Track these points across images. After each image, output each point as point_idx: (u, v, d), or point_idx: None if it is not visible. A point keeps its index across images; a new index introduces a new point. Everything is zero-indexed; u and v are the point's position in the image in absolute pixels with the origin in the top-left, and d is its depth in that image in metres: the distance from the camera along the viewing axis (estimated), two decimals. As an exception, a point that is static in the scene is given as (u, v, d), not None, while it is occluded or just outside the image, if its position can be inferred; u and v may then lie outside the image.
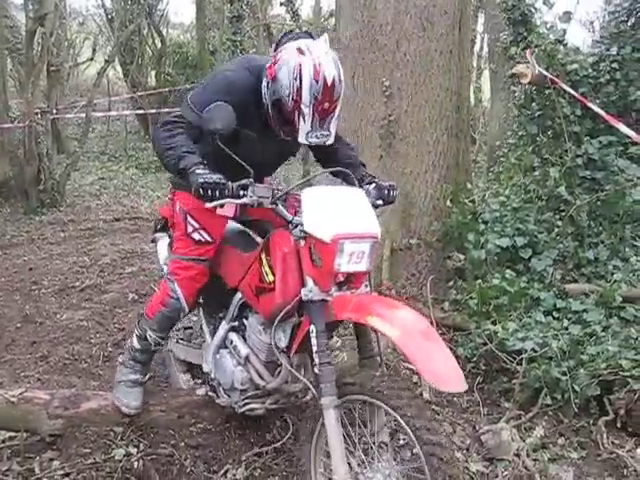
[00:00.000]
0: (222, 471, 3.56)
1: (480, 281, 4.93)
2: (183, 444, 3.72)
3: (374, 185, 3.37)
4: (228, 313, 3.56)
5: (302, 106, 2.97)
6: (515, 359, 4.25)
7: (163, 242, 4.13)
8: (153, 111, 15.80)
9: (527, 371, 4.15)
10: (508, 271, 4.95)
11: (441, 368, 2.57)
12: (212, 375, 3.65)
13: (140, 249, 8.14)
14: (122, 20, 16.24)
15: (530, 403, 4.16)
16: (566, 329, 4.46)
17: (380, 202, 3.32)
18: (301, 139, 3.04)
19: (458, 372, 2.58)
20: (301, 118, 2.99)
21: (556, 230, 5.33)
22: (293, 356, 3.19)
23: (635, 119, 5.65)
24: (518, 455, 3.72)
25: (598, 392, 3.99)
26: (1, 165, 10.87)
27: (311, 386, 2.95)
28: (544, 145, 5.75)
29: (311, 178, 3.27)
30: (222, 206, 3.06)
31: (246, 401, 3.49)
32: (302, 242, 2.99)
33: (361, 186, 3.35)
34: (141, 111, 16.63)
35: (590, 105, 5.39)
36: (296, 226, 3.00)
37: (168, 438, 3.74)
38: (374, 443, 2.89)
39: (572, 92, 5.42)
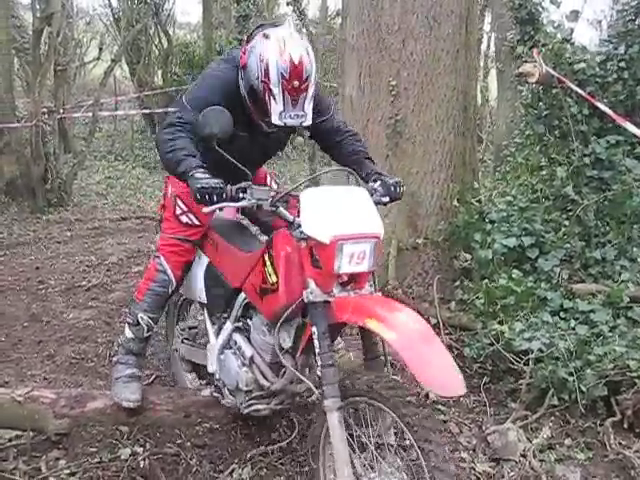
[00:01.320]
0: (228, 470, 3.55)
1: (487, 281, 4.92)
2: (189, 443, 3.72)
3: (380, 182, 3.35)
4: (232, 313, 3.57)
5: (271, 87, 3.03)
6: (522, 359, 4.24)
7: None
8: (160, 110, 15.80)
9: (534, 371, 4.14)
10: (515, 271, 4.93)
11: (439, 372, 2.54)
12: (217, 376, 3.66)
13: (147, 248, 8.15)
14: (129, 20, 16.28)
15: (537, 403, 4.14)
16: (573, 329, 4.44)
17: (387, 199, 3.30)
18: (274, 120, 3.08)
19: (456, 375, 2.56)
20: (272, 99, 3.05)
21: (563, 230, 5.31)
22: (298, 357, 3.19)
23: (643, 119, 5.62)
24: (525, 456, 3.71)
25: (605, 393, 3.98)
26: (8, 164, 10.88)
27: (314, 388, 2.94)
28: (551, 145, 5.73)
29: (312, 178, 3.27)
30: (221, 210, 3.07)
31: (251, 402, 3.48)
32: (303, 243, 2.98)
33: (367, 183, 3.36)
34: (148, 110, 16.65)
35: (598, 104, 5.37)
36: (297, 227, 2.98)
37: (174, 437, 3.74)
38: (380, 444, 2.87)
39: (579, 91, 5.40)
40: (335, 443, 2.78)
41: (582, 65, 5.50)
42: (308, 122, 3.15)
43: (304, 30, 17.48)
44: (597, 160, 5.36)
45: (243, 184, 2.99)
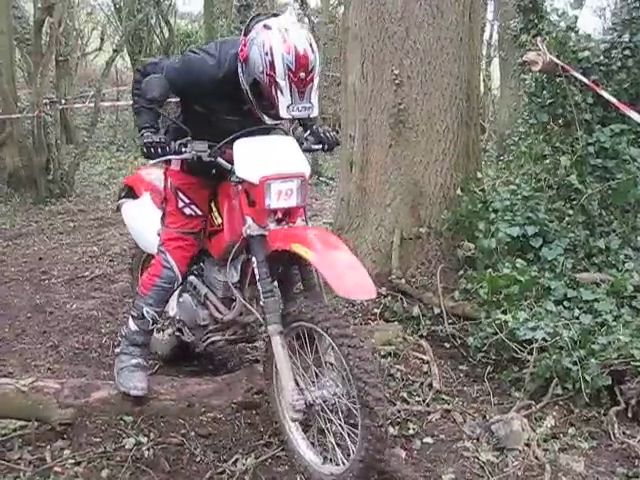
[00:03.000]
0: (232, 460, 3.55)
1: (490, 270, 4.90)
2: (193, 433, 3.71)
3: (309, 132, 3.69)
4: None
5: (278, 79, 3.05)
6: (526, 349, 4.23)
7: (126, 206, 4.57)
8: (161, 101, 15.76)
9: (538, 361, 4.13)
10: (519, 260, 4.92)
11: (351, 281, 2.98)
12: (177, 317, 4.12)
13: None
14: (130, 10, 16.28)
15: (541, 393, 4.13)
16: (577, 318, 4.44)
17: (319, 146, 3.67)
18: (282, 114, 3.14)
19: (367, 281, 3.01)
20: (279, 92, 3.08)
21: (567, 219, 5.30)
22: (246, 289, 3.64)
23: (647, 107, 5.60)
24: (528, 445, 3.70)
25: (609, 382, 3.97)
26: (10, 155, 10.90)
27: (260, 316, 3.37)
28: (555, 133, 5.71)
29: (247, 131, 3.46)
30: (169, 162, 3.56)
31: (207, 335, 3.92)
32: (240, 187, 3.39)
33: (294, 134, 3.66)
34: (149, 101, 16.60)
35: (602, 93, 5.35)
36: (232, 175, 3.38)
37: (178, 427, 3.73)
38: (320, 363, 3.24)
39: (583, 80, 5.37)
40: (279, 363, 3.21)
41: (586, 53, 5.48)
42: (315, 113, 3.23)
43: (306, 19, 17.45)
44: (601, 149, 5.34)
45: (184, 140, 3.37)
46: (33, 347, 5.00)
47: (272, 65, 3.04)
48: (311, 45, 3.11)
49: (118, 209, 4.77)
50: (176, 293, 4.02)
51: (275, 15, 3.33)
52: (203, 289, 3.90)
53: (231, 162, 3.36)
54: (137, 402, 3.72)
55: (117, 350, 3.99)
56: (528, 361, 4.19)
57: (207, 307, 3.88)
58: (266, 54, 3.05)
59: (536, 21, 6.08)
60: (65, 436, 3.62)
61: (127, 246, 7.80)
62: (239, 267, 3.62)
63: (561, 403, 4.08)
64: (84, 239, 8.37)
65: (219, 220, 3.66)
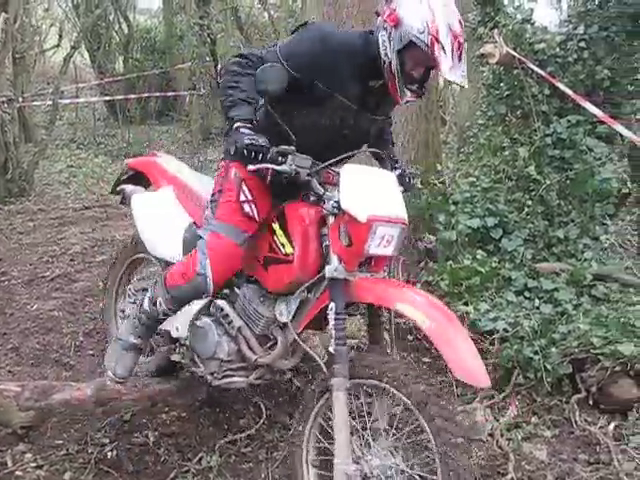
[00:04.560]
0: (196, 459, 3.55)
1: (451, 262, 4.95)
2: (157, 432, 3.70)
3: (399, 172, 3.36)
4: None
5: (440, 37, 2.82)
6: (487, 339, 4.29)
7: (141, 199, 3.86)
8: (121, 97, 15.62)
9: (499, 351, 4.18)
10: (479, 252, 4.97)
11: (469, 362, 2.63)
12: (187, 343, 3.54)
13: (111, 237, 8.05)
14: (87, 6, 16.04)
15: (503, 383, 4.18)
16: (537, 308, 4.49)
17: (401, 189, 3.26)
18: (446, 74, 2.87)
19: (483, 367, 2.66)
20: (442, 52, 2.83)
21: (526, 210, 5.36)
22: (298, 332, 3.13)
23: (603, 98, 5.67)
24: (492, 435, 3.75)
25: (570, 370, 4.03)
26: (-33, 154, 10.71)
27: (323, 364, 2.93)
28: (513, 125, 5.77)
29: (348, 157, 3.15)
30: (260, 171, 2.94)
31: (227, 373, 3.38)
32: (332, 219, 2.94)
33: (388, 169, 3.37)
34: (109, 98, 16.44)
35: (558, 84, 5.40)
36: (327, 201, 2.93)
37: (141, 427, 3.72)
38: (377, 429, 2.91)
39: (540, 71, 5.43)
40: (338, 423, 2.78)
41: (542, 45, 5.54)
42: (466, 84, 3.03)
43: (265, 14, 17.40)
44: (558, 140, 5.40)
45: (286, 147, 2.90)
46: (-7, 349, 4.93)
47: (434, 23, 2.82)
48: (459, 16, 2.93)
49: (119, 194, 4.08)
50: (191, 314, 3.46)
51: None
52: (237, 320, 3.30)
53: (325, 188, 2.98)
54: (98, 403, 3.66)
55: (127, 312, 3.86)
56: (490, 352, 4.24)
57: (237, 341, 3.30)
58: (426, 14, 2.84)
59: (493, 14, 6.08)
60: (26, 439, 3.58)
61: (88, 245, 7.73)
62: (293, 307, 3.13)
63: (523, 392, 4.14)
64: (44, 239, 8.25)
65: (288, 249, 3.05)
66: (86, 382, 3.83)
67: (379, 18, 3.02)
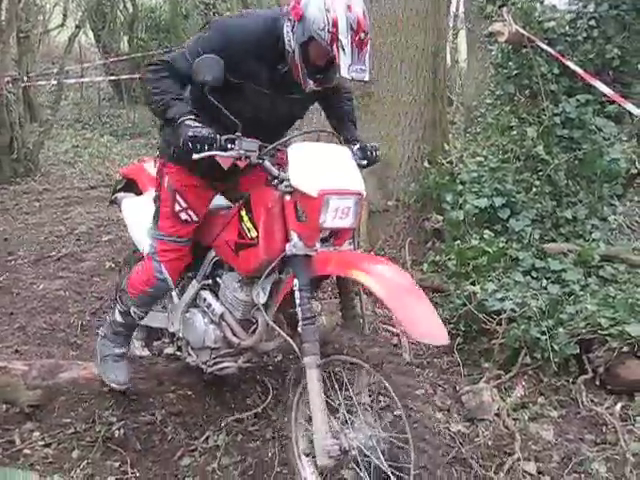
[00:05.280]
0: (203, 437, 3.56)
1: (458, 242, 4.93)
2: (164, 411, 3.70)
3: (358, 146, 3.34)
4: (200, 272, 3.54)
5: (340, 37, 2.87)
6: (495, 319, 4.26)
7: (128, 203, 4.04)
8: (126, 77, 15.58)
9: (507, 331, 4.16)
10: (486, 231, 4.94)
11: (425, 323, 2.63)
12: (180, 335, 3.64)
13: (116, 217, 8.02)
14: (92, -16, 15.96)
15: (510, 363, 4.17)
16: (545, 289, 4.47)
17: (364, 162, 3.29)
18: (343, 73, 2.91)
19: (441, 326, 2.65)
20: (341, 50, 2.89)
21: (534, 190, 5.32)
22: (274, 313, 3.19)
23: (612, 77, 5.62)
24: (498, 415, 3.74)
25: (577, 351, 4.02)
26: (-28, 135, 10.70)
27: (294, 343, 2.94)
28: (521, 104, 5.72)
29: (299, 135, 3.22)
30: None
31: (217, 360, 3.48)
32: (288, 197, 2.97)
33: (346, 144, 3.34)
34: (114, 77, 16.40)
35: (567, 63, 5.36)
36: (282, 181, 2.97)
37: (148, 406, 3.72)
38: (351, 405, 2.90)
39: (549, 50, 5.38)
40: (313, 401, 2.79)
41: (552, 24, 5.48)
42: (367, 78, 3.03)
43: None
44: (567, 119, 5.36)
45: (232, 135, 2.96)
46: (0, 329, 4.94)
47: (335, 22, 2.88)
48: (364, 11, 2.97)
49: (113, 203, 4.25)
50: (181, 307, 3.60)
51: None
52: (219, 308, 3.41)
53: (279, 168, 3.03)
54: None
55: (101, 332, 3.87)
56: (497, 332, 4.22)
57: (222, 328, 3.41)
58: (327, 11, 2.89)
59: (502, -8, 6.04)
60: (34, 418, 3.59)
61: (94, 224, 7.74)
62: (268, 287, 3.18)
63: (530, 373, 4.13)
64: (50, 218, 8.26)
65: (253, 233, 3.12)
66: (93, 361, 3.84)
67: (285, 7, 3.08)
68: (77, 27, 13.86)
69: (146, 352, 4.02)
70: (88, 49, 21.12)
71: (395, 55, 5.39)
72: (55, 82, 12.87)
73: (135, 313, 3.59)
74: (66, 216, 8.36)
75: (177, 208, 3.36)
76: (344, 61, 2.89)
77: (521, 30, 5.41)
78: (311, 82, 3.05)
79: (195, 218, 3.39)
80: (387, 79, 5.41)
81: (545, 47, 5.39)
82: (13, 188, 9.99)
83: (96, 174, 11.21)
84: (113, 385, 3.63)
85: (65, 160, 12.25)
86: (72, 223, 7.94)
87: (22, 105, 11.43)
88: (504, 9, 5.70)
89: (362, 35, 2.90)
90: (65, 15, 19.29)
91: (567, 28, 5.56)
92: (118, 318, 3.69)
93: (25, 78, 12.75)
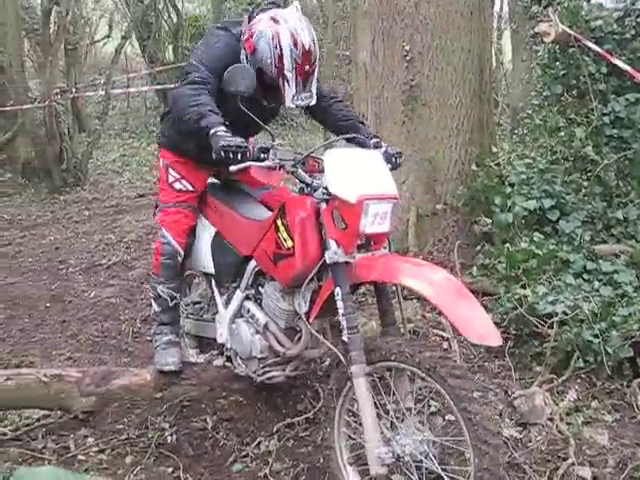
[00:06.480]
0: (254, 443, 3.57)
1: (508, 245, 4.87)
2: (216, 417, 3.73)
3: (383, 150, 3.45)
4: (242, 282, 3.58)
5: (285, 72, 3.16)
6: (546, 323, 4.20)
7: None
8: (172, 86, 15.70)
9: (558, 334, 4.10)
10: (536, 234, 4.88)
11: (478, 324, 2.63)
12: (228, 345, 3.67)
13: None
14: (137, -4, 16.17)
15: (562, 367, 4.11)
16: (597, 291, 4.40)
17: (389, 167, 3.31)
18: (288, 103, 3.23)
19: (493, 327, 2.66)
20: (286, 83, 3.19)
21: (584, 191, 5.25)
22: (313, 322, 3.18)
23: (662, 75, 5.52)
24: (551, 419, 3.68)
25: (631, 354, 3.95)
26: (23, 146, 10.94)
27: (338, 352, 2.94)
28: (569, 105, 5.65)
29: (329, 143, 3.33)
30: (245, 170, 3.06)
31: (265, 369, 3.48)
32: (324, 205, 3.00)
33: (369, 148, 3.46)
34: (160, 86, 16.57)
35: (616, 62, 5.28)
36: (316, 189, 3.03)
37: (200, 412, 3.75)
38: (402, 409, 2.89)
39: (597, 49, 5.30)
40: (364, 409, 2.77)
41: (599, 22, 5.40)
42: (314, 102, 3.32)
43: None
44: (616, 119, 5.28)
45: (266, 144, 3.05)
46: (53, 336, 5.03)
47: (281, 58, 3.14)
48: (314, 39, 3.22)
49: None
50: (228, 318, 3.64)
51: (277, 5, 3.41)
52: (263, 318, 3.42)
53: (313, 176, 3.11)
54: (158, 387, 3.72)
55: (152, 331, 4.07)
56: (549, 335, 4.16)
57: (266, 338, 3.42)
58: (275, 47, 3.14)
59: (547, -9, 5.98)
60: (88, 424, 3.65)
61: (143, 232, 7.83)
62: (309, 296, 3.18)
63: (583, 376, 4.06)
64: (100, 227, 8.39)
65: (289, 243, 3.10)
66: (145, 367, 3.89)
67: (243, 35, 3.36)
68: (123, 38, 14.08)
69: (202, 359, 4.07)
70: (134, 59, 21.41)
71: (441, 58, 5.35)
72: (102, 92, 13.05)
73: (163, 292, 3.80)
74: (115, 224, 8.49)
75: (171, 179, 3.75)
76: (288, 93, 3.22)
77: (568, 30, 5.35)
78: (265, 100, 3.38)
79: (190, 187, 3.75)
80: (433, 82, 5.38)
81: (593, 46, 5.32)
82: (63, 198, 10.18)
83: (144, 182, 11.36)
84: (164, 368, 3.72)
85: (113, 169, 12.44)
86: (121, 231, 8.05)
87: (71, 116, 11.63)
88: (550, 9, 5.64)
89: (307, 67, 3.19)
90: (111, 26, 19.63)
91: (615, 26, 5.46)
92: (156, 308, 3.88)
93: (73, 89, 12.96)
